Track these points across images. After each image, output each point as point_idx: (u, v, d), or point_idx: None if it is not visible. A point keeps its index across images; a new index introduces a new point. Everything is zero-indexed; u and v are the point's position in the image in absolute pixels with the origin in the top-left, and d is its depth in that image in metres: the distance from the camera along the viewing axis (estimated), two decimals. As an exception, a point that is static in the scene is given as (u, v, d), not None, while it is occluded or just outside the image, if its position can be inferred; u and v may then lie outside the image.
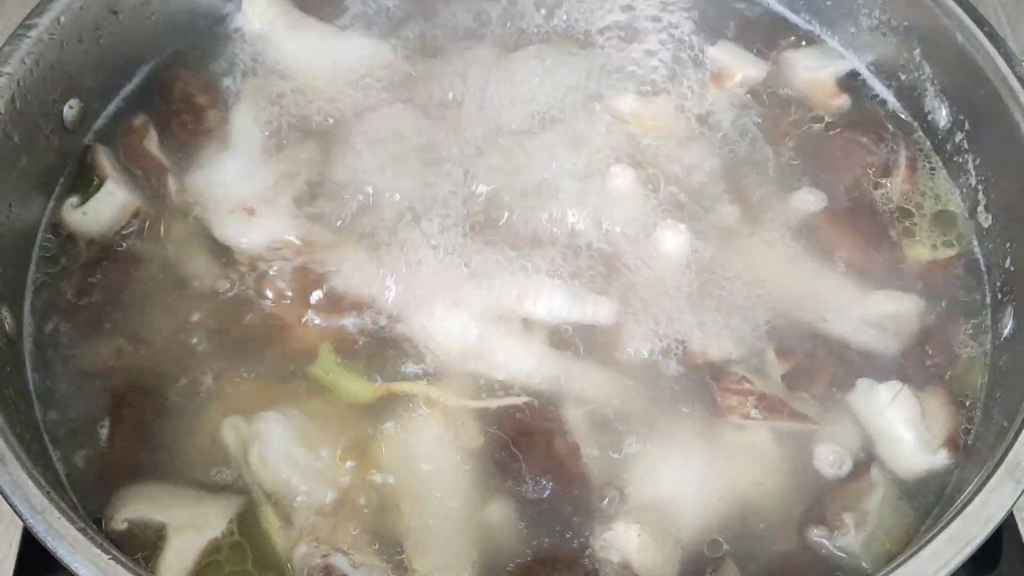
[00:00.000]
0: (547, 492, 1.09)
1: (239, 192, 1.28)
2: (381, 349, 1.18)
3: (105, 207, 1.26)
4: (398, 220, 1.25)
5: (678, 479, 1.10)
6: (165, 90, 1.39)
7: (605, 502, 1.09)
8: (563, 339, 1.19)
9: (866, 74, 1.44)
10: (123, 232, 1.26)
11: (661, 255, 1.24)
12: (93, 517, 1.06)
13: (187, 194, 1.30)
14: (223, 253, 1.25)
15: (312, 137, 1.34)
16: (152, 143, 1.33)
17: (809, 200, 1.31)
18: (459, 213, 1.26)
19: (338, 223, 1.27)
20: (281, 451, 1.09)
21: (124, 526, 1.07)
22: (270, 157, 1.32)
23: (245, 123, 1.35)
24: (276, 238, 1.25)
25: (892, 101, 1.42)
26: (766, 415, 1.13)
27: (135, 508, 1.08)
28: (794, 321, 1.22)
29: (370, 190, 1.28)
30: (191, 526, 1.06)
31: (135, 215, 1.27)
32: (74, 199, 1.27)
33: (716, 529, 1.09)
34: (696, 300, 1.21)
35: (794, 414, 1.14)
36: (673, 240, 1.24)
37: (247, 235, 1.25)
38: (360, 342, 1.18)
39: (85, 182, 1.29)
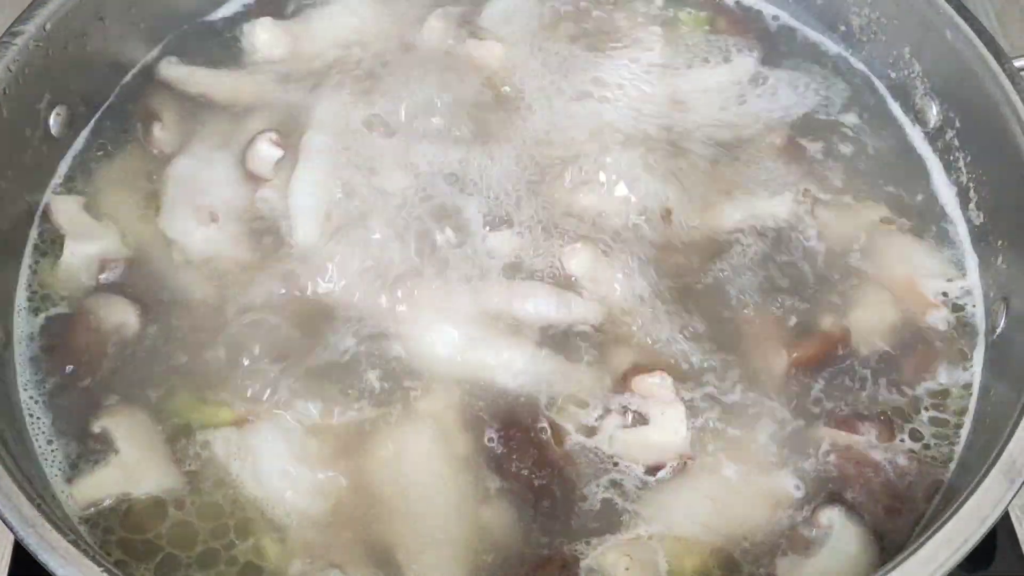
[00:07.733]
0: (539, 498, 1.08)
1: (217, 195, 1.26)
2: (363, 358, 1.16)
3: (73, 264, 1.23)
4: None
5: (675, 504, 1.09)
6: (149, 96, 1.38)
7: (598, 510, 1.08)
8: (553, 340, 1.18)
9: (856, 71, 1.44)
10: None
11: None
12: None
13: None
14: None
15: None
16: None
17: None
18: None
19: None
20: (275, 464, 1.08)
21: (99, 431, 1.10)
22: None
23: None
24: (213, 254, 1.23)
25: (884, 98, 1.41)
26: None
27: (115, 424, 1.10)
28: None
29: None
30: (128, 474, 1.08)
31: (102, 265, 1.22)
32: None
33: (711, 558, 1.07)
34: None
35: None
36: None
37: (191, 237, 1.23)
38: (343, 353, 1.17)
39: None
